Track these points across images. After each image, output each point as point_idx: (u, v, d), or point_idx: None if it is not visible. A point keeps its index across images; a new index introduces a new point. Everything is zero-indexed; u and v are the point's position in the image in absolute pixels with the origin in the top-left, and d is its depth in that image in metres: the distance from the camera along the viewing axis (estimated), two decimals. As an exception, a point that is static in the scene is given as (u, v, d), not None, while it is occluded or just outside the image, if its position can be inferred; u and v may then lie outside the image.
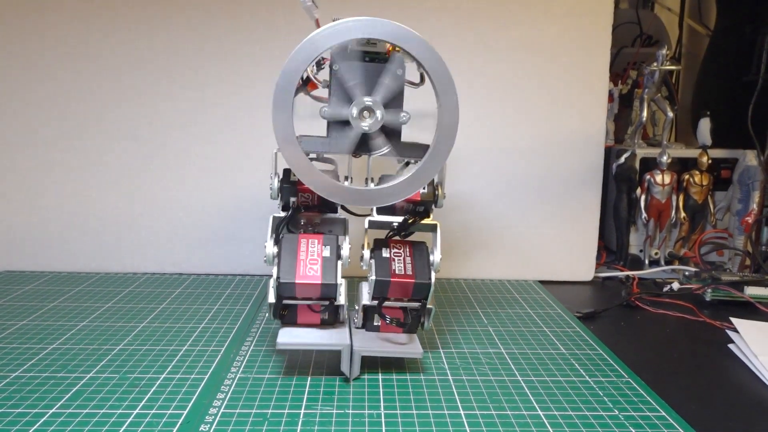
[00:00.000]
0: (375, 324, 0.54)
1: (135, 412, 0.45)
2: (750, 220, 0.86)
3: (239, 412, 0.45)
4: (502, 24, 0.79)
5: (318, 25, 0.47)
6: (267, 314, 0.56)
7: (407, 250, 0.53)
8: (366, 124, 0.48)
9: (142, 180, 0.81)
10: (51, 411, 0.45)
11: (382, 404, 0.47)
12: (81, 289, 0.75)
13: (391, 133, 0.50)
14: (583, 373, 0.53)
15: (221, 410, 0.45)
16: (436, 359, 0.56)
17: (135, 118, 0.80)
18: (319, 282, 0.50)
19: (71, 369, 0.52)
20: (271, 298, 0.50)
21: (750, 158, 0.87)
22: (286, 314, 0.52)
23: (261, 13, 0.77)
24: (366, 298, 0.53)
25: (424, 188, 0.53)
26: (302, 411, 0.46)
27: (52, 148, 0.80)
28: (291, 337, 0.51)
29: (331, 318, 0.53)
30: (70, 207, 0.81)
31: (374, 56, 0.50)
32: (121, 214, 0.81)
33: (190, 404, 0.46)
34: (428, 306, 0.53)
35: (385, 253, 0.52)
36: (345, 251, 0.52)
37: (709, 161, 0.87)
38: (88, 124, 0.80)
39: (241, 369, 0.53)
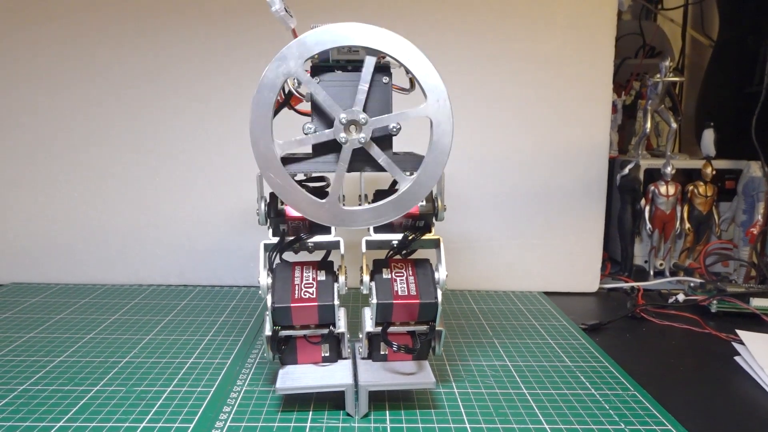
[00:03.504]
0: (382, 353, 0.51)
1: (142, 425, 0.45)
2: (755, 231, 0.86)
3: (246, 426, 0.45)
4: (505, 36, 0.79)
5: (295, 35, 0.44)
6: (264, 353, 0.53)
7: (410, 269, 0.50)
8: (353, 139, 0.44)
9: (147, 192, 0.81)
10: (58, 424, 0.45)
11: (387, 416, 0.47)
12: (87, 301, 0.75)
13: (381, 145, 0.46)
14: (589, 386, 0.53)
15: (228, 423, 0.46)
16: (441, 372, 0.56)
17: (141, 130, 0.81)
18: (316, 303, 0.47)
19: (78, 382, 0.52)
20: (268, 330, 0.48)
21: (754, 169, 0.87)
22: (285, 349, 0.49)
23: (266, 25, 0.78)
24: (369, 325, 0.49)
25: (422, 201, 0.49)
26: (308, 424, 0.46)
27: (58, 161, 0.81)
28: (291, 380, 0.48)
29: (333, 355, 0.50)
30: (76, 219, 0.82)
31: (357, 65, 0.46)
32: (127, 226, 0.82)
33: (197, 417, 0.46)
34: (437, 328, 0.49)
35: (386, 274, 0.49)
36: (341, 274, 0.49)
37: (714, 172, 0.87)
38: (95, 137, 0.81)
39: (247, 382, 0.53)
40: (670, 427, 0.46)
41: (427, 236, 0.51)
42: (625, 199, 0.90)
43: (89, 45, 0.79)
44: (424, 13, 0.79)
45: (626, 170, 0.89)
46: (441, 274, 0.49)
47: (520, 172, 0.82)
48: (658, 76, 0.89)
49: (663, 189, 0.87)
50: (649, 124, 0.91)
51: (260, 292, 0.48)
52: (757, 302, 0.73)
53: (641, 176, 0.89)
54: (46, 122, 0.81)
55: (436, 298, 0.48)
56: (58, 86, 0.80)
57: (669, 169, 0.86)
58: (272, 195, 0.49)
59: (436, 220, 0.51)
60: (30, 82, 0.80)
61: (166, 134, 0.81)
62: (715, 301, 0.74)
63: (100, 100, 0.80)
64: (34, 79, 0.80)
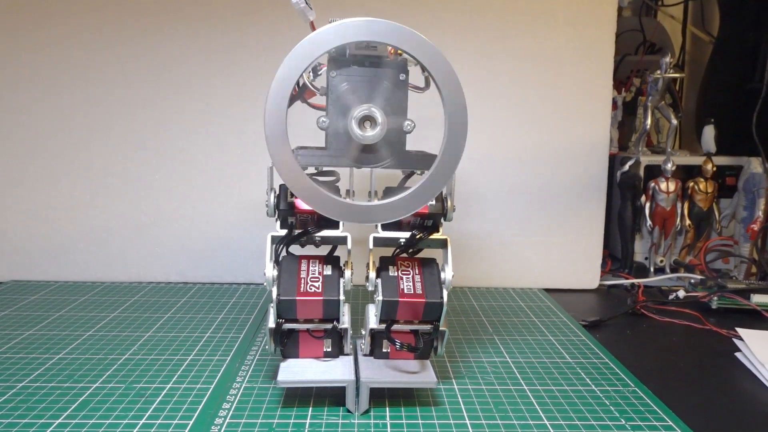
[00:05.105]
0: (384, 350, 0.51)
1: (141, 422, 0.45)
2: (755, 227, 0.86)
3: (245, 422, 0.45)
4: (505, 34, 0.79)
5: (313, 28, 0.44)
6: (266, 345, 0.55)
7: (416, 267, 0.50)
8: (367, 135, 0.44)
9: (148, 190, 0.81)
10: (57, 421, 0.45)
11: (387, 413, 0.47)
12: (87, 298, 0.75)
13: (394, 142, 0.46)
14: (590, 382, 0.53)
15: (227, 420, 0.46)
16: (441, 368, 0.55)
17: (141, 128, 0.80)
18: (321, 298, 0.47)
19: (77, 379, 0.52)
20: (271, 323, 0.47)
21: (755, 165, 0.87)
22: (287, 343, 0.49)
23: (266, 24, 0.78)
24: (373, 322, 0.49)
25: (432, 201, 0.49)
26: (308, 421, 0.46)
27: (58, 159, 0.81)
28: (292, 374, 0.48)
29: (335, 350, 0.50)
30: (76, 217, 0.82)
31: (374, 60, 0.46)
32: (127, 223, 0.82)
33: (196, 414, 0.46)
34: (441, 329, 0.49)
35: (392, 272, 0.49)
36: (347, 270, 0.49)
37: (714, 168, 0.87)
38: (95, 136, 0.81)
39: (246, 378, 0.53)
40: (670, 422, 0.46)
41: (435, 236, 0.50)
42: (625, 196, 0.90)
43: (89, 44, 0.79)
44: (423, 11, 0.78)
45: (626, 167, 0.89)
46: (447, 275, 0.48)
47: (520, 169, 0.82)
48: (659, 72, 0.89)
49: (663, 185, 0.87)
50: (649, 121, 0.91)
51: (265, 283, 0.47)
52: (757, 298, 0.73)
53: (641, 173, 0.89)
54: (46, 122, 0.80)
55: (442, 298, 0.48)
56: (58, 86, 0.80)
57: (669, 166, 0.86)
58: (282, 187, 0.49)
59: (445, 220, 0.50)
60: (30, 82, 0.80)
61: (166, 133, 0.81)
62: (715, 298, 0.74)
63: (100, 99, 0.80)
64: (34, 79, 0.80)
